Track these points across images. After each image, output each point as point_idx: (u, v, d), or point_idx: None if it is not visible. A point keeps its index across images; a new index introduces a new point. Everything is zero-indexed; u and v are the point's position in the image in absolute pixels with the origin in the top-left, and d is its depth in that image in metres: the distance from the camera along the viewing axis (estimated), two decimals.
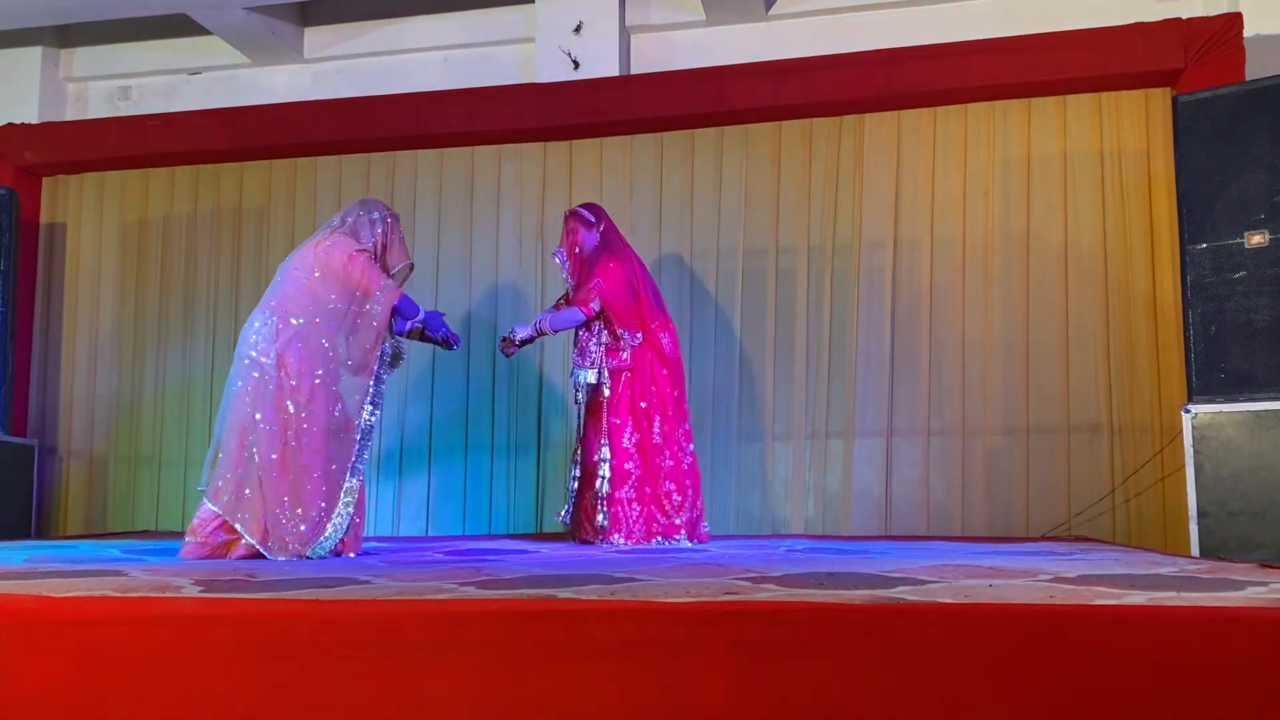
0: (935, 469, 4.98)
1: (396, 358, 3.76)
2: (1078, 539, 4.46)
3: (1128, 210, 4.89)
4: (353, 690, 1.57)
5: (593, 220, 4.35)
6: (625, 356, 4.22)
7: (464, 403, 5.53)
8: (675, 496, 4.15)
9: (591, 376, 4.22)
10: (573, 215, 4.37)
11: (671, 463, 4.18)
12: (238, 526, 3.29)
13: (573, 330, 4.35)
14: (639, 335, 4.23)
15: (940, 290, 5.07)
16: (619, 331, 4.22)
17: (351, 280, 3.55)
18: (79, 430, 5.99)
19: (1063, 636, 1.48)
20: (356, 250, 3.59)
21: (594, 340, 4.25)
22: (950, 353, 5.02)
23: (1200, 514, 3.93)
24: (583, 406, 4.28)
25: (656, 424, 4.19)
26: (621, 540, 4.07)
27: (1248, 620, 1.52)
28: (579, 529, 4.24)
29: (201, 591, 2.07)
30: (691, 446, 4.31)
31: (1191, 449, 3.98)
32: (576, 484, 4.26)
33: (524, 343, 4.37)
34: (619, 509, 4.11)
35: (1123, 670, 1.44)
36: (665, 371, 4.25)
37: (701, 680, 1.50)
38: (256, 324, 3.47)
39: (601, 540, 4.09)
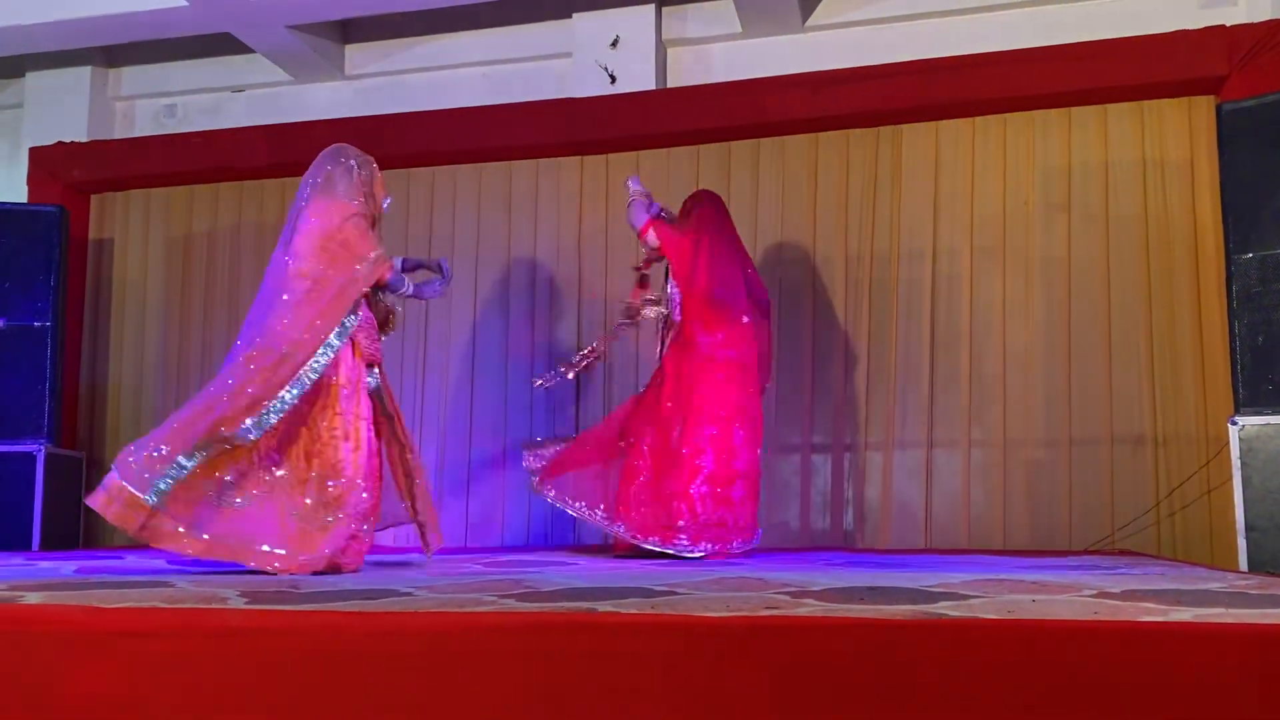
0: (976, 481, 4.93)
1: (386, 323, 3.56)
2: (1122, 553, 4.40)
3: (1170, 220, 4.82)
4: (395, 701, 1.58)
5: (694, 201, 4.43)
6: (664, 348, 4.24)
7: (502, 415, 5.55)
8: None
9: (651, 312, 4.30)
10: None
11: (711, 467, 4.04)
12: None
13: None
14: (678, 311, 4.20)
15: (980, 300, 5.03)
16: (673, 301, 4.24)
17: (347, 248, 3.37)
18: (125, 442, 6.01)
19: (1108, 653, 1.46)
20: (352, 211, 3.42)
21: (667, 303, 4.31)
22: (991, 363, 4.97)
23: (1248, 527, 3.87)
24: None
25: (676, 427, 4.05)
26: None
27: None
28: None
29: (247, 603, 2.10)
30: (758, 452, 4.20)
31: (1239, 461, 3.92)
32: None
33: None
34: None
35: (1169, 688, 1.42)
36: (721, 375, 4.11)
37: (743, 695, 1.50)
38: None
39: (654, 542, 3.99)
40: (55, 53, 6.04)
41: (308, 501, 3.20)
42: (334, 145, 3.63)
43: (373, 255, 3.39)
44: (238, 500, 3.13)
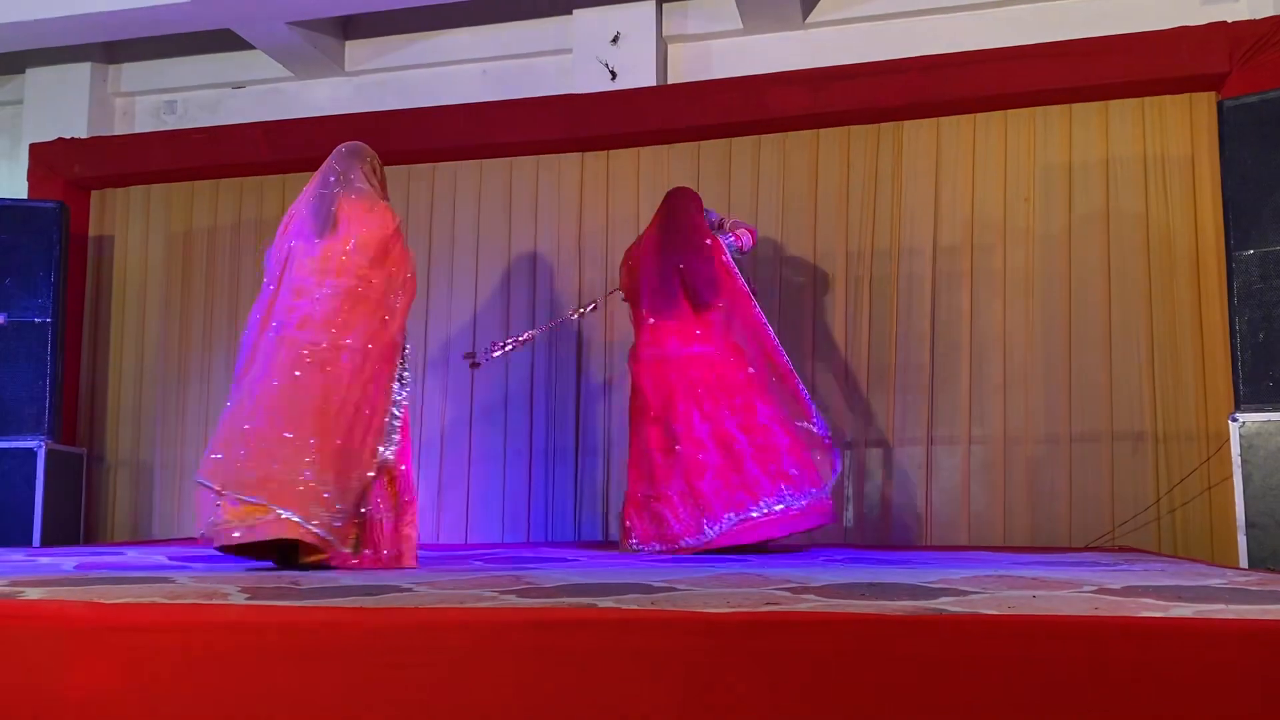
0: (976, 478, 4.93)
1: None
2: (1122, 549, 4.41)
3: (1171, 216, 4.82)
4: (396, 697, 1.58)
5: None
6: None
7: (502, 410, 5.56)
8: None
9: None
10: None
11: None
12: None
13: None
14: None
15: (980, 297, 5.03)
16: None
17: (390, 258, 3.41)
18: (125, 438, 6.09)
19: (1108, 649, 1.46)
20: (397, 225, 3.47)
21: None
22: (991, 360, 4.97)
23: (1249, 524, 3.87)
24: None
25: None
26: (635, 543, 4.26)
27: None
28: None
29: (248, 599, 2.10)
30: (677, 447, 4.25)
31: (1239, 458, 3.92)
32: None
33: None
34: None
35: (1169, 684, 1.42)
36: (644, 381, 4.34)
37: (743, 690, 1.50)
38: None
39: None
40: (56, 49, 6.04)
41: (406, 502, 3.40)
42: (353, 142, 3.65)
43: (413, 271, 3.50)
44: (383, 515, 3.32)
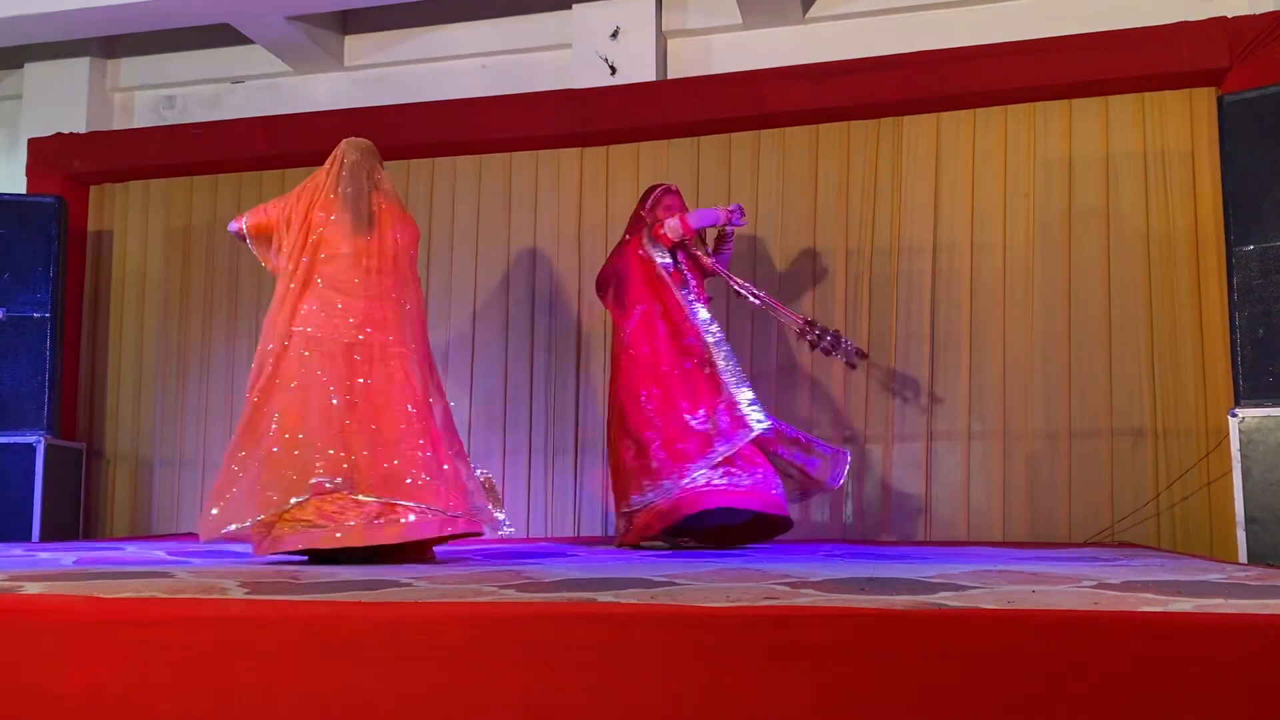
0: (976, 474, 4.93)
1: None
2: (1121, 545, 4.41)
3: (1172, 212, 4.82)
4: (395, 691, 1.58)
5: None
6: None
7: (501, 407, 5.55)
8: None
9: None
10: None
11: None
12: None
13: None
14: None
15: (980, 293, 5.02)
16: None
17: (413, 264, 3.58)
18: (125, 434, 6.09)
19: (1107, 644, 1.46)
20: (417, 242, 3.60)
21: None
22: (991, 356, 4.97)
23: (1248, 520, 3.87)
24: None
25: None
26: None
27: None
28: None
29: (247, 593, 2.10)
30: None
31: (1239, 453, 3.92)
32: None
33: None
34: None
35: (1168, 678, 1.42)
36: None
37: (742, 685, 1.50)
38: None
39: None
40: (54, 44, 6.03)
41: None
42: (364, 139, 3.63)
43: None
44: None
